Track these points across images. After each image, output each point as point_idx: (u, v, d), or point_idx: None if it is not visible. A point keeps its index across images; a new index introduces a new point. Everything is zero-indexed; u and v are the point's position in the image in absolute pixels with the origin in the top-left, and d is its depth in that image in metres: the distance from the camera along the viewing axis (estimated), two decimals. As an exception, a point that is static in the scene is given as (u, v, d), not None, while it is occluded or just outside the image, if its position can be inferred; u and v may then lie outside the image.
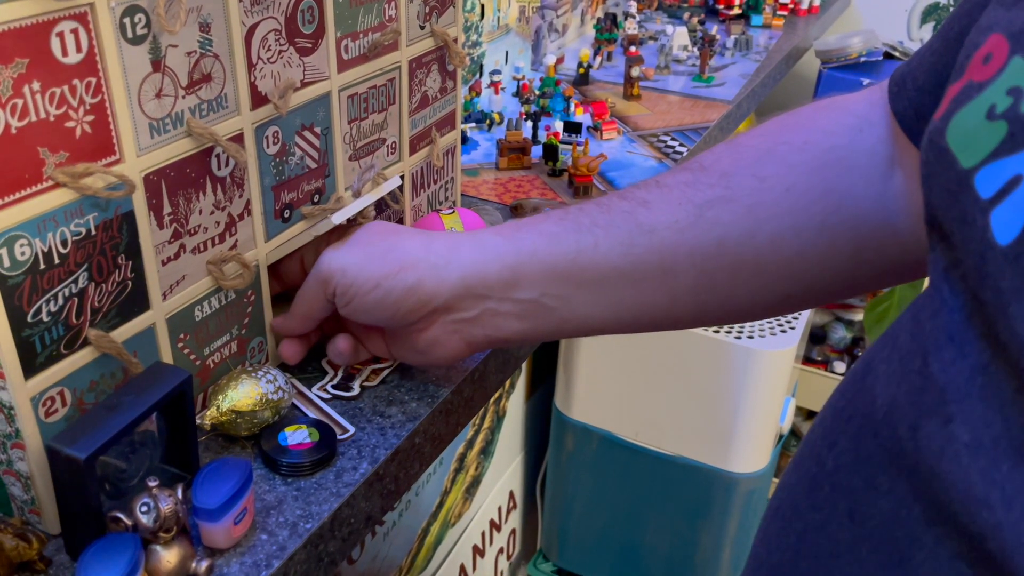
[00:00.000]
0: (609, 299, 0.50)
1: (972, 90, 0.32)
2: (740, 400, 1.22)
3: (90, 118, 0.41)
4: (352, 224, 0.58)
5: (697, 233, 0.48)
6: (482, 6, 1.07)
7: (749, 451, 1.26)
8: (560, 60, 1.25)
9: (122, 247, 0.44)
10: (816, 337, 1.75)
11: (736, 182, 0.48)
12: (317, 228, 0.56)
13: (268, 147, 0.53)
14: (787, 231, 0.47)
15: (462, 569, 1.35)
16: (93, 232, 0.42)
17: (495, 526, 1.44)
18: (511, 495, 1.49)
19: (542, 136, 0.98)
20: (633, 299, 0.50)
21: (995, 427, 0.29)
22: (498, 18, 1.12)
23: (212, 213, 0.50)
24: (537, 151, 0.95)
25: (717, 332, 1.20)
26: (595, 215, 0.49)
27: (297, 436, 0.51)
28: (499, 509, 1.45)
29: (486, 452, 1.35)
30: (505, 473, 1.44)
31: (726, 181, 0.48)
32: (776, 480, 1.55)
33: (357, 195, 0.58)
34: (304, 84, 0.54)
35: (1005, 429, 0.28)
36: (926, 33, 1.82)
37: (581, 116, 1.05)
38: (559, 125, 0.99)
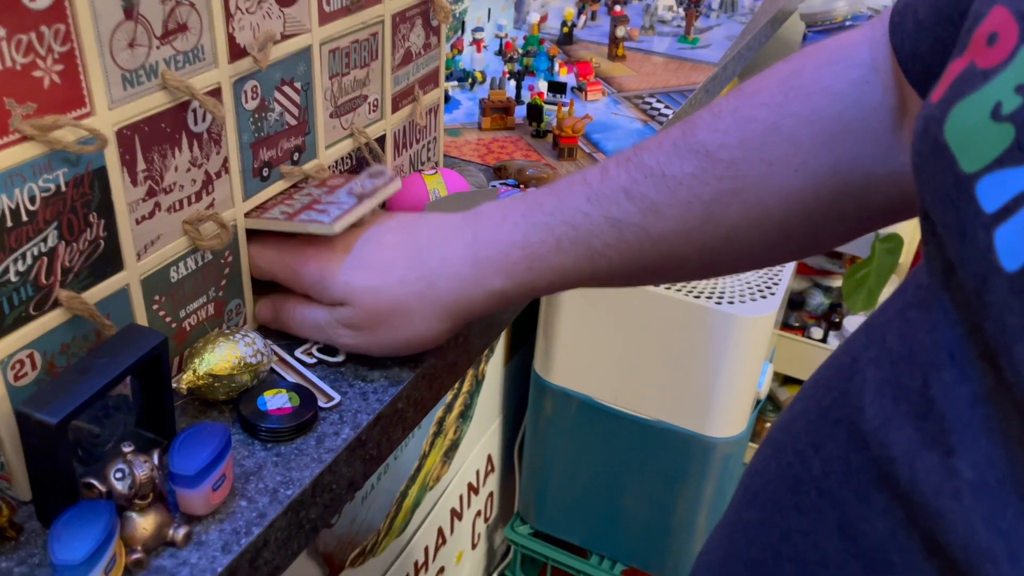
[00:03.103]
0: (613, 285, 0.52)
1: (975, 78, 0.28)
2: (719, 365, 1.22)
3: (59, 68, 0.39)
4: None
5: (706, 231, 0.47)
6: (465, -39, 1.04)
7: (727, 416, 1.26)
8: (543, 19, 1.23)
9: (94, 205, 0.42)
10: (794, 303, 1.76)
11: (744, 170, 0.46)
12: (313, 228, 0.52)
13: (246, 102, 0.51)
14: (796, 214, 0.46)
15: (440, 532, 1.35)
16: (63, 188, 0.40)
17: (473, 489, 1.45)
18: (489, 459, 1.49)
19: (526, 96, 0.96)
20: (626, 285, 0.52)
21: (1000, 467, 0.26)
22: (481, -26, 1.09)
23: (188, 170, 0.48)
24: (521, 111, 0.93)
25: (697, 297, 1.20)
26: (607, 235, 0.48)
27: (277, 401, 0.49)
28: (477, 473, 1.45)
29: (465, 416, 1.35)
30: (483, 437, 1.44)
31: (734, 170, 0.46)
32: (753, 445, 1.57)
33: (360, 199, 0.55)
34: (284, 37, 0.52)
35: (1011, 471, 0.26)
36: (911, -2, 1.80)
37: (565, 76, 1.03)
38: (543, 85, 0.97)
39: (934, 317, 0.30)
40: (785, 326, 1.74)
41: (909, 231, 1.56)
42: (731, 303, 1.20)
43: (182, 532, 0.42)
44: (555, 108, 0.89)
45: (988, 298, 0.26)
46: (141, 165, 0.44)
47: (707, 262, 0.49)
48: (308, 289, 0.52)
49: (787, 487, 0.37)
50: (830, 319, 1.73)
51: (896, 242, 1.53)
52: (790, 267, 1.28)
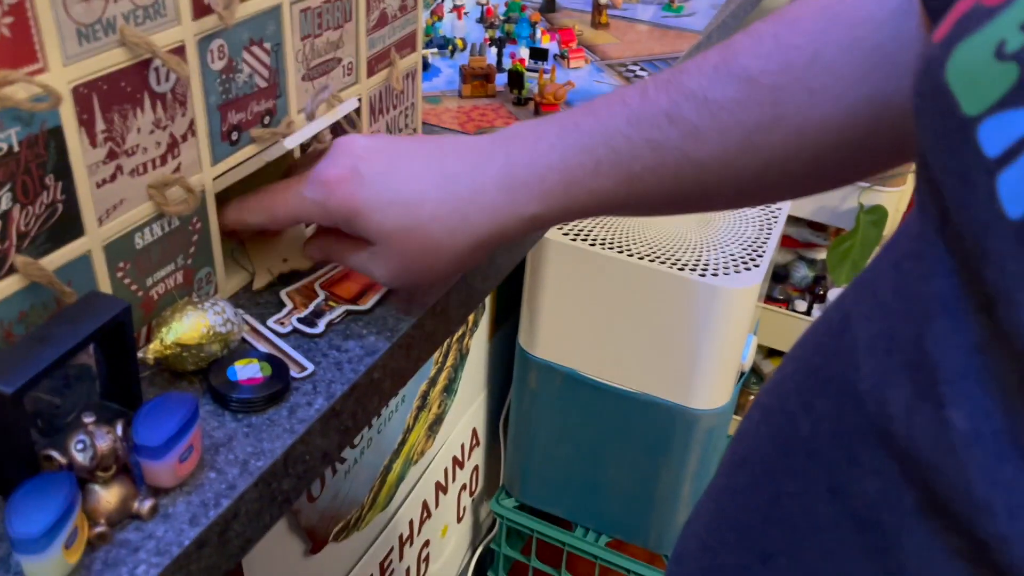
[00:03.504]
0: (644, 213, 0.52)
1: (981, 15, 0.27)
2: (703, 337, 1.22)
3: (8, 20, 0.37)
4: (311, 154, 0.54)
5: (744, 161, 0.46)
6: (445, -75, 1.02)
7: (711, 388, 1.26)
8: (526, -14, 1.21)
9: (50, 166, 0.41)
10: (778, 276, 1.75)
11: (786, 99, 0.44)
12: (268, 152, 0.53)
13: (213, 62, 0.49)
14: (832, 144, 0.45)
15: (424, 506, 1.34)
16: (16, 148, 0.39)
17: (458, 463, 1.44)
18: (474, 432, 1.48)
19: (507, 63, 0.94)
20: (655, 214, 0.52)
21: (996, 418, 0.25)
22: (462, -61, 1.06)
23: (152, 132, 0.46)
24: (502, 79, 0.91)
25: (682, 270, 1.19)
26: (647, 159, 0.46)
27: (248, 371, 0.48)
28: (462, 446, 1.44)
29: (449, 390, 1.34)
30: (468, 411, 1.43)
31: (776, 97, 0.44)
32: (736, 417, 1.57)
33: (311, 117, 0.55)
34: (251, -6, 0.50)
35: (1008, 423, 0.25)
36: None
37: (548, 44, 1.01)
38: (525, 52, 0.95)
39: (928, 267, 0.29)
40: (769, 299, 1.74)
41: (893, 203, 1.55)
42: (715, 275, 1.19)
43: (148, 505, 0.40)
44: (536, 75, 0.87)
45: (989, 245, 0.25)
46: (100, 125, 0.43)
47: (741, 190, 0.48)
48: (339, 226, 0.51)
49: (776, 450, 0.36)
50: (814, 292, 1.73)
51: (880, 214, 1.52)
52: (774, 240, 1.27)
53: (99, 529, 0.39)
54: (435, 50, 0.98)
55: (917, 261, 0.30)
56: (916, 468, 0.28)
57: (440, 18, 1.02)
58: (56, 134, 0.40)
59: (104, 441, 0.38)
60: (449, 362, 1.32)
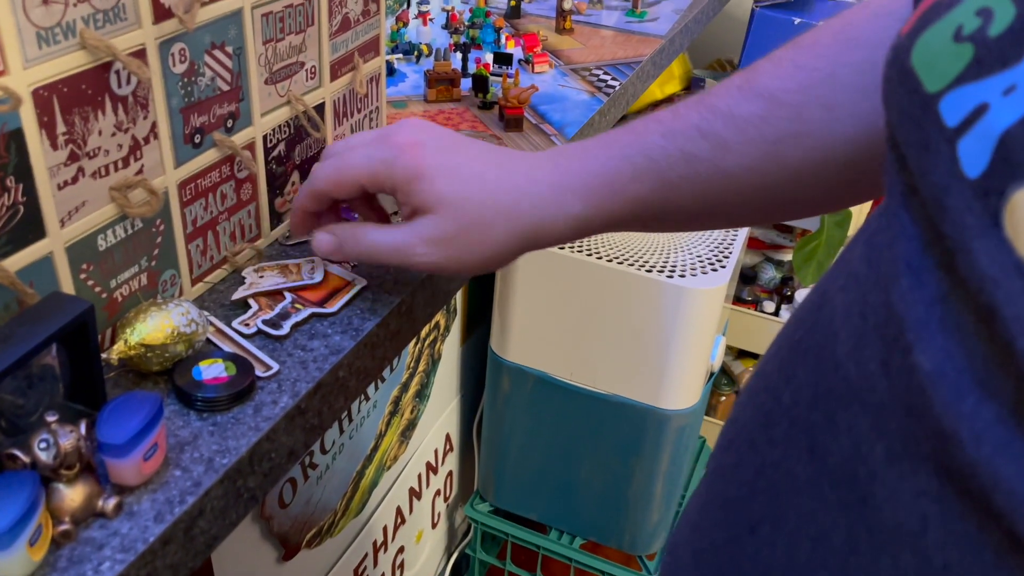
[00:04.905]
0: (673, 227, 0.56)
1: (941, 8, 0.30)
2: (671, 338, 1.23)
3: (-34, 23, 0.37)
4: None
5: (770, 171, 0.49)
6: (409, -68, 1.03)
7: (681, 388, 1.27)
8: (491, -7, 1.22)
9: (10, 168, 0.41)
10: (746, 277, 1.77)
11: (807, 115, 0.48)
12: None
13: (174, 65, 0.49)
14: (854, 159, 0.48)
15: (398, 511, 1.34)
16: (-24, 150, 0.39)
17: (432, 468, 1.44)
18: (447, 438, 1.49)
19: (472, 68, 0.95)
20: (696, 225, 0.56)
21: (958, 359, 0.28)
22: (426, -54, 1.07)
23: (114, 135, 0.46)
24: (467, 83, 0.92)
25: (649, 272, 1.20)
26: (681, 168, 0.50)
27: (212, 370, 0.49)
28: (436, 452, 1.44)
29: (421, 395, 1.34)
30: (441, 416, 1.43)
31: (797, 114, 0.48)
32: (708, 418, 1.59)
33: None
34: (211, -2, 0.50)
35: (968, 362, 0.27)
36: (857, -26, 1.82)
37: (512, 49, 1.03)
38: (489, 57, 0.96)
39: (893, 233, 0.32)
40: (738, 300, 1.76)
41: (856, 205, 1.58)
42: (682, 276, 1.20)
43: (112, 502, 0.41)
44: (500, 80, 0.88)
45: (949, 203, 0.27)
46: (61, 128, 0.43)
47: (770, 201, 0.52)
48: (397, 185, 0.51)
49: (759, 425, 0.39)
50: (782, 293, 1.75)
51: (844, 215, 1.55)
52: (740, 241, 1.29)
53: (64, 527, 0.39)
54: (401, 55, 0.99)
55: (884, 232, 0.33)
56: (891, 418, 0.31)
57: (405, 24, 1.03)
58: (17, 136, 0.41)
59: (67, 439, 0.39)
60: (421, 367, 1.32)
